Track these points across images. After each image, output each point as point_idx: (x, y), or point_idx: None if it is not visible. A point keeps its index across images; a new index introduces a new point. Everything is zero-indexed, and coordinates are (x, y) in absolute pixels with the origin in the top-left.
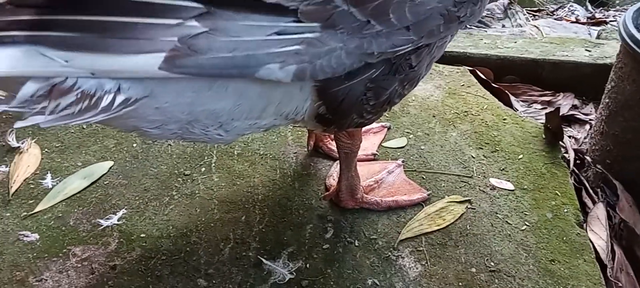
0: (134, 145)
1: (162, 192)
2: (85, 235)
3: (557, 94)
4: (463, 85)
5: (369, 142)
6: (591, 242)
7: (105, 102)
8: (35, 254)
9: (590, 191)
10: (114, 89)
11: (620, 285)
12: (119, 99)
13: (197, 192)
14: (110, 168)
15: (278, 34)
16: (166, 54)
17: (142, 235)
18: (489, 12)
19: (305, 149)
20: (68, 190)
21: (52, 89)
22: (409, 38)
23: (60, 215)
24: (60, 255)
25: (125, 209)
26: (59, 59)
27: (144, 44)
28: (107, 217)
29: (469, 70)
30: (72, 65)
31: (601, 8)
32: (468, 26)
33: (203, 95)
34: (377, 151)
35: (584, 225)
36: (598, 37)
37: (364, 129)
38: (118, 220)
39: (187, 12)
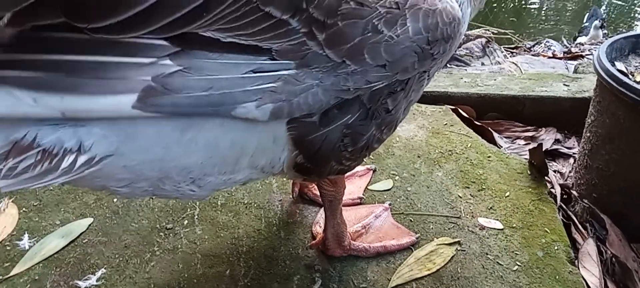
0: (115, 199)
1: (143, 248)
2: None
3: (539, 129)
4: (446, 124)
5: (354, 186)
6: (584, 279)
7: (66, 162)
8: None
9: (579, 226)
10: (75, 148)
11: None
12: (82, 159)
13: (179, 246)
14: (90, 225)
15: (254, 72)
16: (139, 93)
17: None
18: (467, 51)
19: (291, 196)
20: (45, 251)
21: (13, 147)
22: (384, 75)
23: (37, 277)
24: None
25: (105, 268)
26: (28, 99)
27: (116, 84)
28: (86, 277)
29: (451, 108)
30: (41, 104)
31: (577, 42)
32: (448, 66)
33: (173, 150)
34: (363, 195)
35: (576, 262)
36: (575, 71)
37: (348, 172)
38: (97, 281)
39: (160, 51)
